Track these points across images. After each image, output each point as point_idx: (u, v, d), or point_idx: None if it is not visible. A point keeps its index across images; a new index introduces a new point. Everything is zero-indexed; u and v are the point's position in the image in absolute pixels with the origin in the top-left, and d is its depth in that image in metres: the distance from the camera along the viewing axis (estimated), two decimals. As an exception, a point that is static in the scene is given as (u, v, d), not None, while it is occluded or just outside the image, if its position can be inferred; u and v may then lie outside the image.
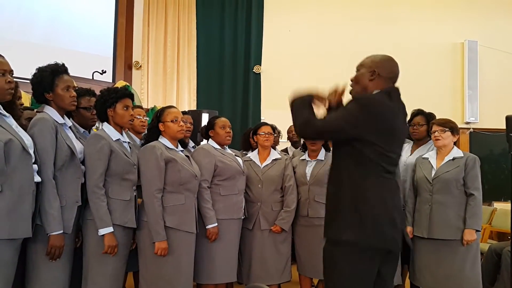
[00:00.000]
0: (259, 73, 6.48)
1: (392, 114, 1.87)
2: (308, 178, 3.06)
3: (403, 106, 1.95)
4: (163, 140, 2.50)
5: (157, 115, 2.54)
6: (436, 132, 2.89)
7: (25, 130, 2.02)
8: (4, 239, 1.75)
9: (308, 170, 3.10)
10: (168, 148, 2.48)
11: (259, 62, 6.47)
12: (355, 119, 1.81)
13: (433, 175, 2.86)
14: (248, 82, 6.40)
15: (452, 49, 6.60)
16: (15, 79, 1.95)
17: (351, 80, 2.00)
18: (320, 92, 2.00)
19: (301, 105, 1.93)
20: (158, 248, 2.32)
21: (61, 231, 2.02)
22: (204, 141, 3.09)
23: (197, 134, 3.95)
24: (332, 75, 6.83)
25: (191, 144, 3.41)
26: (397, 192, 1.93)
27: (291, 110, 1.94)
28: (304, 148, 3.27)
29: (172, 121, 2.49)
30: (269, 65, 6.48)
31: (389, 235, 1.84)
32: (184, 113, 3.13)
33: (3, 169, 1.76)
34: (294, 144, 4.56)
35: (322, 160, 3.08)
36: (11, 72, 1.89)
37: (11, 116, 1.94)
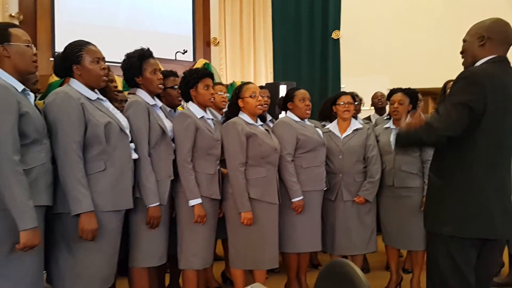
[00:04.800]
0: (338, 38, 6.25)
1: (502, 84, 1.79)
2: (393, 146, 2.95)
3: None
4: (243, 115, 2.58)
5: (236, 92, 2.62)
6: None
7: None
8: (110, 211, 1.96)
9: (393, 138, 2.98)
10: (248, 123, 2.55)
11: (337, 27, 6.24)
12: (464, 97, 1.76)
13: None
14: (327, 49, 6.23)
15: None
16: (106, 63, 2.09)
17: (461, 53, 1.97)
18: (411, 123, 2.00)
19: (407, 132, 1.96)
20: (244, 218, 2.44)
21: (158, 203, 2.21)
22: (283, 113, 3.11)
23: (275, 107, 3.98)
24: (416, 38, 6.39)
25: (269, 117, 3.44)
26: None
27: (409, 144, 2.12)
28: (390, 115, 3.13)
29: (250, 97, 2.55)
30: (348, 29, 6.22)
31: (499, 224, 1.80)
32: (261, 87, 3.17)
33: (105, 148, 1.95)
34: (379, 111, 4.39)
35: (408, 127, 2.94)
36: (103, 59, 2.05)
37: (107, 100, 2.13)
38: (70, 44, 2.01)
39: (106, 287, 2.02)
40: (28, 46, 1.79)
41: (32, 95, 1.84)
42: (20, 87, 1.76)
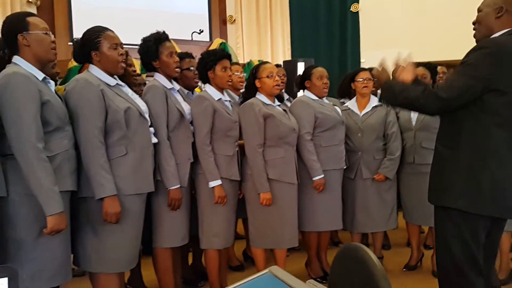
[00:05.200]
0: (357, 11, 6.10)
1: None
2: (413, 123, 2.90)
3: None
4: (260, 96, 2.57)
5: (253, 72, 2.60)
6: None
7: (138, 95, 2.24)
8: (132, 194, 2.01)
9: (414, 114, 2.93)
10: (266, 104, 2.54)
11: (356, 0, 6.08)
12: (481, 70, 1.65)
13: None
14: (345, 23, 6.09)
15: None
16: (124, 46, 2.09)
17: (473, 24, 1.84)
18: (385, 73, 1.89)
19: (401, 87, 1.80)
20: (263, 199, 2.47)
21: (179, 185, 2.26)
22: (301, 92, 3.08)
23: (293, 85, 3.94)
24: (437, 8, 6.14)
25: (286, 96, 3.42)
26: None
27: (399, 101, 1.83)
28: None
29: (267, 77, 2.54)
30: (367, 2, 6.05)
31: (509, 203, 1.72)
32: (276, 66, 3.13)
33: (125, 133, 1.99)
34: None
35: (428, 103, 2.88)
36: (121, 44, 2.05)
37: (126, 85, 2.15)
38: (88, 31, 2.02)
39: (130, 267, 2.10)
40: (46, 33, 1.80)
41: (52, 83, 1.87)
42: (40, 75, 1.79)
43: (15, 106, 1.65)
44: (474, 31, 1.85)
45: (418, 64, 2.99)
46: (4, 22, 1.81)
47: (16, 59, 1.78)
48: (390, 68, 1.91)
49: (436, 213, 1.88)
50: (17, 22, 1.78)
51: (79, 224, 1.96)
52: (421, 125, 2.87)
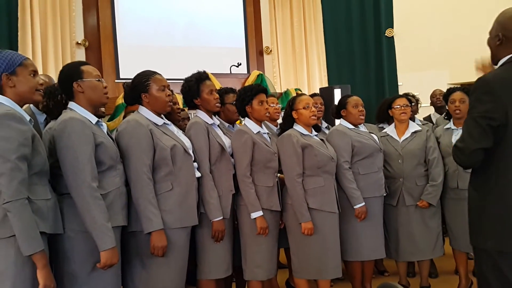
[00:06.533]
0: (392, 36, 6.11)
1: None
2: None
3: None
4: (297, 127, 2.63)
5: (290, 104, 2.68)
6: None
7: (179, 129, 2.35)
8: (178, 228, 2.09)
9: (455, 139, 2.88)
10: (303, 134, 2.60)
11: (391, 25, 6.11)
12: (481, 109, 1.63)
13: None
14: (381, 48, 6.11)
15: None
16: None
17: None
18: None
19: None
20: (305, 228, 2.49)
21: (222, 217, 2.32)
22: (338, 121, 3.12)
23: (329, 112, 3.98)
24: (470, 32, 6.05)
25: (324, 124, 3.45)
26: None
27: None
28: (449, 116, 3.04)
29: (304, 108, 2.60)
30: (402, 26, 6.06)
31: None
32: (313, 95, 3.18)
33: (171, 169, 2.10)
34: (439, 109, 4.23)
35: (469, 127, 2.83)
36: (168, 86, 2.20)
37: (172, 124, 2.28)
38: (138, 75, 2.19)
39: (177, 299, 2.16)
40: (98, 80, 1.95)
41: (105, 125, 2.02)
42: (94, 119, 1.93)
43: (72, 149, 1.79)
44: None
45: (455, 89, 2.98)
46: (61, 71, 1.99)
47: (71, 104, 1.94)
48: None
49: (474, 253, 1.85)
50: (72, 71, 1.94)
51: (128, 257, 2.05)
52: (464, 150, 2.80)
